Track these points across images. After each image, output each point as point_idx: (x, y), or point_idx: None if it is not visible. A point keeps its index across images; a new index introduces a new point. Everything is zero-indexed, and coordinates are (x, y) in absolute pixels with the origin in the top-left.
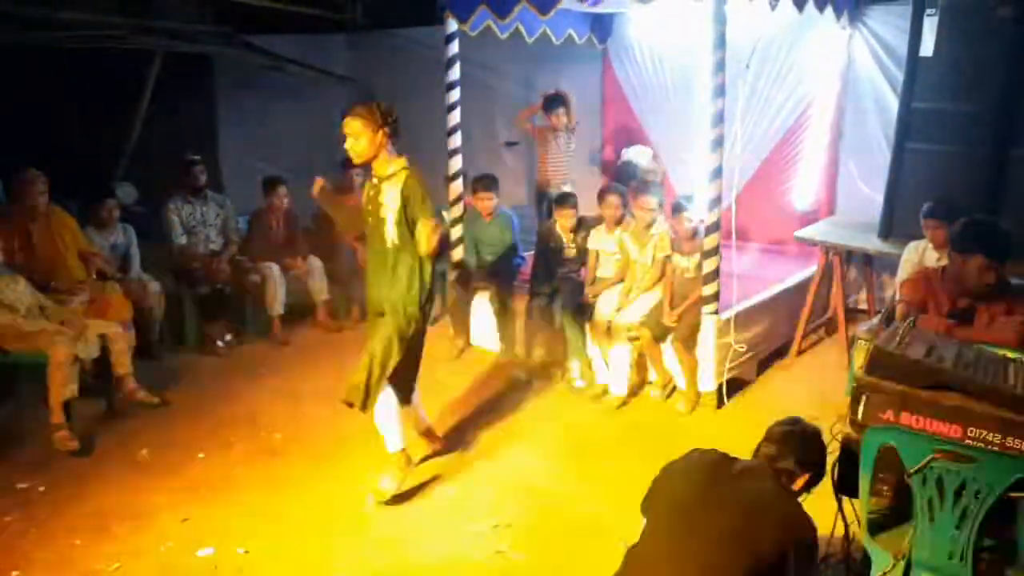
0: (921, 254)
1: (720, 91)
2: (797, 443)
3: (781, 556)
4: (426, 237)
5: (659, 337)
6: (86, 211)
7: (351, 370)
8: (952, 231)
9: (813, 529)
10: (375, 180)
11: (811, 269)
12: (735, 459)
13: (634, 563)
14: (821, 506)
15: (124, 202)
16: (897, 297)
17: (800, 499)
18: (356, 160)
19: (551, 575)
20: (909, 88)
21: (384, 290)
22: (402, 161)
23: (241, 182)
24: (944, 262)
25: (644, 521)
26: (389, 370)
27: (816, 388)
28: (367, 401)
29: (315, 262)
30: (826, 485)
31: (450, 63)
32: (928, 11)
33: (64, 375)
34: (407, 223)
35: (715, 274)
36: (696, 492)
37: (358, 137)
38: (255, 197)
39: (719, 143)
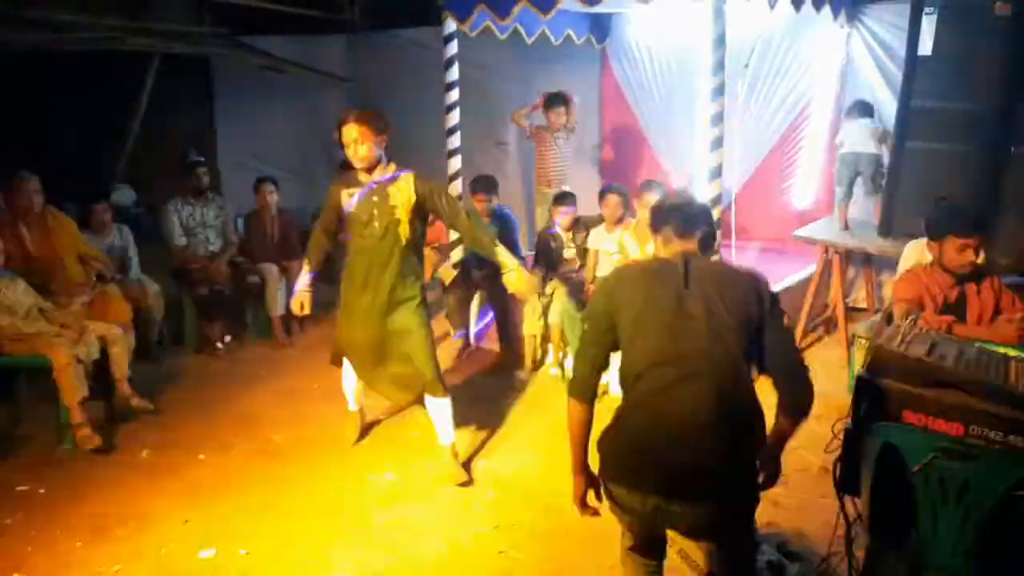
0: (921, 252)
1: (719, 91)
2: (696, 216)
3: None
4: (521, 277)
5: None
6: (84, 213)
7: (407, 370)
8: (923, 223)
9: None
10: (375, 185)
11: (810, 268)
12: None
13: (646, 396)
14: (823, 504)
15: (122, 204)
16: (892, 296)
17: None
18: (361, 165)
19: None
20: (908, 87)
21: (396, 285)
22: (393, 166)
23: (239, 184)
24: None
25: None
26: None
27: (817, 386)
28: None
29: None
30: (828, 483)
31: (449, 63)
32: (926, 9)
33: (71, 376)
34: (419, 220)
35: None
36: (671, 305)
37: (363, 142)
38: (253, 198)
39: (719, 143)
